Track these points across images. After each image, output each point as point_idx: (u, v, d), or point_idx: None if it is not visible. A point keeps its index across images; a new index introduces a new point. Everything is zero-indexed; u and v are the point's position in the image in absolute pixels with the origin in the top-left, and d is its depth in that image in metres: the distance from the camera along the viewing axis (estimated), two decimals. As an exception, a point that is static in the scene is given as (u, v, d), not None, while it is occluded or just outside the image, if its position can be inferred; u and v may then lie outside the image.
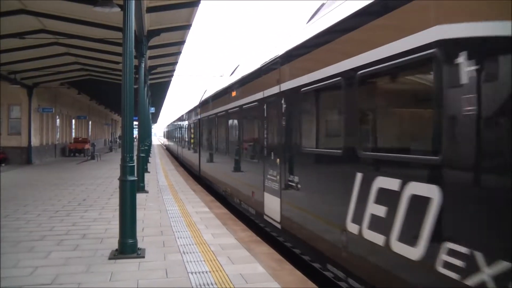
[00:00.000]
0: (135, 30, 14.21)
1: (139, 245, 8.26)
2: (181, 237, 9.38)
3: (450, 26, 4.11)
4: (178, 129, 39.67)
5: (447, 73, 4.17)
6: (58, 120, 39.95)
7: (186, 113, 30.88)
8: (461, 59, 3.96)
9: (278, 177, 9.15)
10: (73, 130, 47.34)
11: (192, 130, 26.62)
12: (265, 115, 10.34)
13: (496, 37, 3.71)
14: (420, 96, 5.22)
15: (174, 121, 48.98)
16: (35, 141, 32.20)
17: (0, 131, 31.24)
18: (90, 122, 56.60)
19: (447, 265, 4.10)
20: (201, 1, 15.07)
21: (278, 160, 9.19)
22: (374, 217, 5.40)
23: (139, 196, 13.19)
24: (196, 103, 24.23)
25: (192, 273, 6.95)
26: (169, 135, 65.44)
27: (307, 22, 8.84)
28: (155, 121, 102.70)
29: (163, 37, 18.03)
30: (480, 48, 3.91)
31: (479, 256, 3.75)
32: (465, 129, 3.96)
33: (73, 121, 46.94)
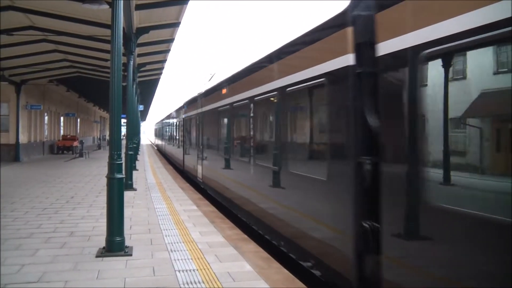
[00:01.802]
0: (123, 28, 14.20)
1: (127, 243, 8.27)
2: (168, 235, 9.40)
3: None
4: (187, 123, 23.67)
5: None
6: (46, 118, 39.63)
7: (214, 88, 15.69)
8: None
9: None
10: (62, 128, 47.01)
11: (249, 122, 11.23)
12: None
13: None
14: None
15: (176, 110, 30.90)
16: (23, 138, 31.92)
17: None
18: (78, 120, 56.23)
19: None
20: (190, -1, 15.06)
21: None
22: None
23: (127, 194, 13.22)
24: (266, 51, 9.80)
25: (179, 271, 6.97)
26: (165, 132, 44.55)
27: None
28: (144, 118, 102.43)
29: (152, 34, 17.99)
30: None
31: None
32: None
33: (62, 118, 46.61)
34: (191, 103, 22.19)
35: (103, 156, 36.01)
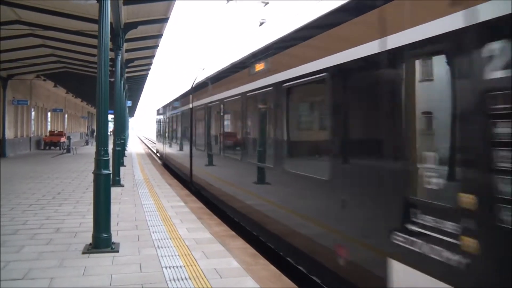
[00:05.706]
0: (111, 23, 14.12)
1: (114, 239, 8.24)
2: (156, 232, 9.38)
3: None
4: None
5: None
6: (33, 113, 39.31)
7: None
8: None
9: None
10: (49, 123, 46.67)
11: None
12: None
13: None
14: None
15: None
16: (9, 134, 31.62)
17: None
18: (66, 115, 55.84)
19: None
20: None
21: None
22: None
23: (114, 190, 13.17)
24: None
25: (166, 267, 6.96)
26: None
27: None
28: (132, 114, 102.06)
29: (140, 30, 17.88)
30: None
31: None
32: None
33: (49, 113, 46.26)
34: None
35: (90, 152, 35.81)
